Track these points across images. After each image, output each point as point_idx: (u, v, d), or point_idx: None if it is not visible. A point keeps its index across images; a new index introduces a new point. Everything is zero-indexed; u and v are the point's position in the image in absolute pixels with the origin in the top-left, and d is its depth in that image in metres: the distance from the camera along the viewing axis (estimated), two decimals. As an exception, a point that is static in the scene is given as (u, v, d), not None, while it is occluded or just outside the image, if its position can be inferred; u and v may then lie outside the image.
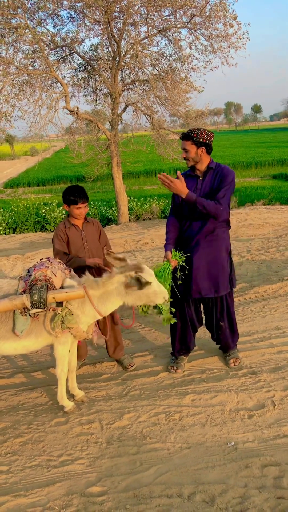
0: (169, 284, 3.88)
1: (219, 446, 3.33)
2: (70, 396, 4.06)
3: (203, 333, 4.61)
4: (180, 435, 3.49)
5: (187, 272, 4.05)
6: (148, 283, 3.47)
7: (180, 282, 4.08)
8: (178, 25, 11.26)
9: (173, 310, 4.03)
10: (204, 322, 4.51)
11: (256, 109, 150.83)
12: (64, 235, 4.23)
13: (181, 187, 3.77)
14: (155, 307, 3.83)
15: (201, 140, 3.89)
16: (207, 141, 3.91)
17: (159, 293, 3.59)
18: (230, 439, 3.41)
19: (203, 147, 3.94)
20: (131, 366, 4.53)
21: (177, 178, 3.81)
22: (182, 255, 3.99)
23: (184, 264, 3.98)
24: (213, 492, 2.89)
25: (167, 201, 15.10)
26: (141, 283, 3.48)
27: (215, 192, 3.92)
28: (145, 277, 3.48)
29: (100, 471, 3.16)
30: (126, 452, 3.34)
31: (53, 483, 3.07)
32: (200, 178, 4.06)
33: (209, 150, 3.99)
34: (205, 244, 4.05)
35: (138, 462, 3.23)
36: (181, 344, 4.45)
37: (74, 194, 4.12)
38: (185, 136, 3.96)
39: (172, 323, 3.95)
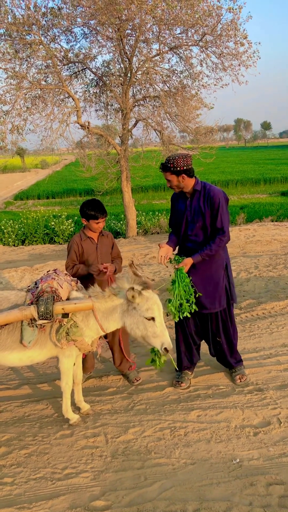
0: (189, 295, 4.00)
1: (224, 463, 3.31)
2: (76, 409, 4.07)
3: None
4: (185, 451, 3.47)
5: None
6: (143, 295, 3.42)
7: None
8: (190, 43, 11.45)
9: (171, 359, 3.95)
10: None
11: (266, 126, 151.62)
12: (78, 247, 4.27)
13: (187, 261, 4.01)
14: (152, 349, 3.67)
15: (178, 169, 3.90)
16: (184, 168, 3.91)
17: (159, 336, 3.48)
18: (235, 456, 3.39)
19: (183, 174, 3.95)
20: (137, 380, 4.53)
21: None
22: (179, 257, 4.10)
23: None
24: (217, 509, 2.87)
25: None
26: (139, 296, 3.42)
27: (207, 215, 4.02)
28: (149, 299, 3.44)
29: (104, 485, 3.16)
30: (130, 467, 3.33)
31: (57, 496, 3.06)
32: (189, 199, 4.13)
33: (190, 174, 3.99)
34: (200, 261, 4.08)
35: (142, 477, 3.21)
36: (185, 357, 4.46)
37: (95, 209, 4.14)
38: (164, 168, 3.99)
39: (162, 366, 3.72)
